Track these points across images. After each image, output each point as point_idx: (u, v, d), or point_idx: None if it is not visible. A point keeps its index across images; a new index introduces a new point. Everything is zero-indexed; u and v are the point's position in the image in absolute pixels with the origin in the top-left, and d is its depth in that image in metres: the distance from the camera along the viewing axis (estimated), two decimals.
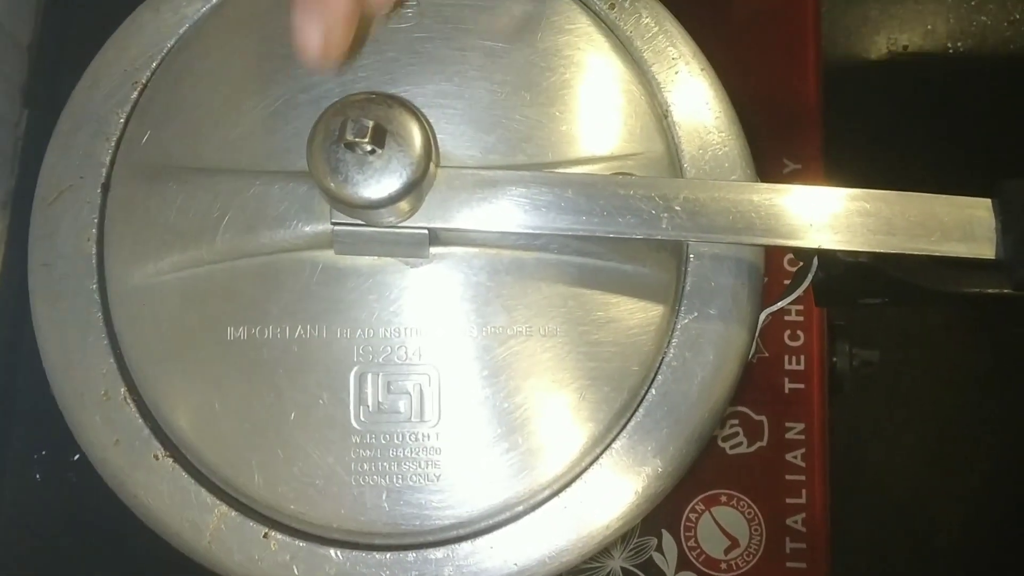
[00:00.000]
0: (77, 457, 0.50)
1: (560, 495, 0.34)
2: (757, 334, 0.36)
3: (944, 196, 0.31)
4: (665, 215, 0.31)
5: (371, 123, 0.29)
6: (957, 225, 0.31)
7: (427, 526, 0.33)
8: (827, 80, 0.54)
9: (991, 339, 0.71)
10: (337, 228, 0.31)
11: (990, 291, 0.34)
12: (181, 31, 0.37)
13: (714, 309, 0.35)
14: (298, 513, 0.33)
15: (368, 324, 0.34)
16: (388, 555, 0.33)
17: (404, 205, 0.30)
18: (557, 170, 0.34)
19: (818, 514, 0.49)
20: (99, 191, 0.35)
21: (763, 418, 0.50)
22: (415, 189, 0.29)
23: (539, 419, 0.34)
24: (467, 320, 0.34)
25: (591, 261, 0.34)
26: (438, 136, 0.34)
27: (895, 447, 0.70)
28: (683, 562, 0.49)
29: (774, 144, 0.53)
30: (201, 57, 0.36)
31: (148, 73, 0.36)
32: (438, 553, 0.33)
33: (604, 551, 0.49)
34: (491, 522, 0.33)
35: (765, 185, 0.32)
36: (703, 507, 0.50)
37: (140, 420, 0.34)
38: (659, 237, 0.31)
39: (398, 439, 0.33)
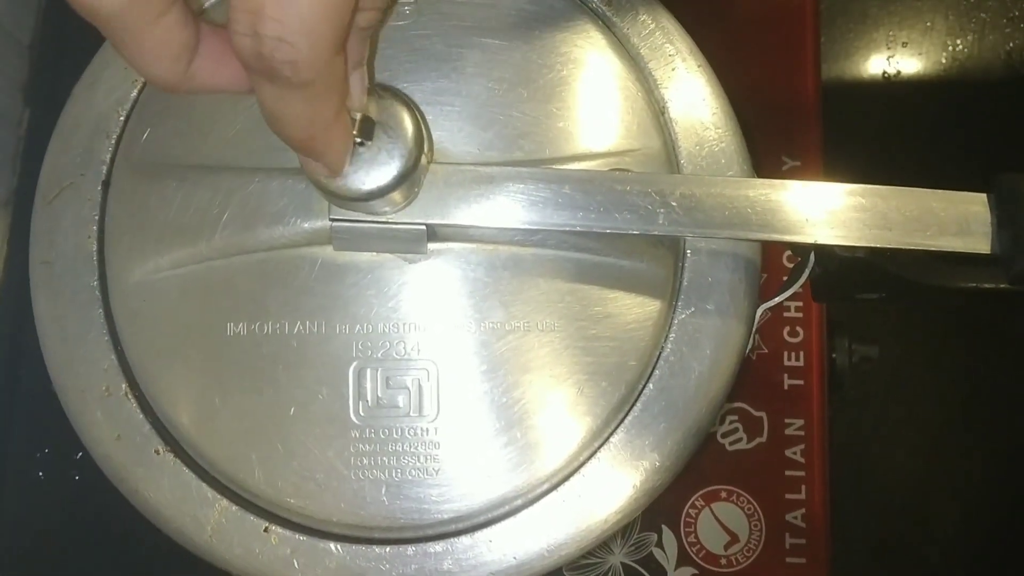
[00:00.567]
0: (80, 455, 0.50)
1: (559, 489, 0.34)
2: (754, 329, 0.36)
3: (940, 191, 0.31)
4: (662, 211, 0.31)
5: (358, 115, 0.29)
6: (953, 220, 0.31)
7: (426, 520, 0.33)
8: (826, 77, 0.54)
9: (990, 335, 0.71)
10: (335, 224, 0.32)
11: (986, 286, 0.34)
12: None
13: (711, 304, 0.35)
14: (298, 507, 0.33)
15: (367, 319, 0.34)
16: (387, 549, 0.33)
17: (398, 196, 0.30)
18: (554, 166, 0.34)
19: (818, 510, 0.49)
20: (99, 188, 0.35)
21: (763, 414, 0.50)
22: (408, 179, 0.30)
23: (537, 414, 0.34)
24: (465, 315, 0.34)
25: (588, 257, 0.34)
26: (435, 133, 0.34)
27: (894, 443, 0.70)
28: (683, 557, 0.49)
29: (773, 141, 0.53)
30: None
31: None
32: (437, 547, 0.33)
33: (604, 546, 0.49)
34: (490, 516, 0.33)
35: (761, 181, 0.32)
36: (703, 503, 0.50)
37: (141, 416, 0.34)
38: (656, 233, 0.31)
39: (397, 434, 0.34)
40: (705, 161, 0.36)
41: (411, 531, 0.33)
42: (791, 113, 0.54)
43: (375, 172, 0.29)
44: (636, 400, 0.34)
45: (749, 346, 0.36)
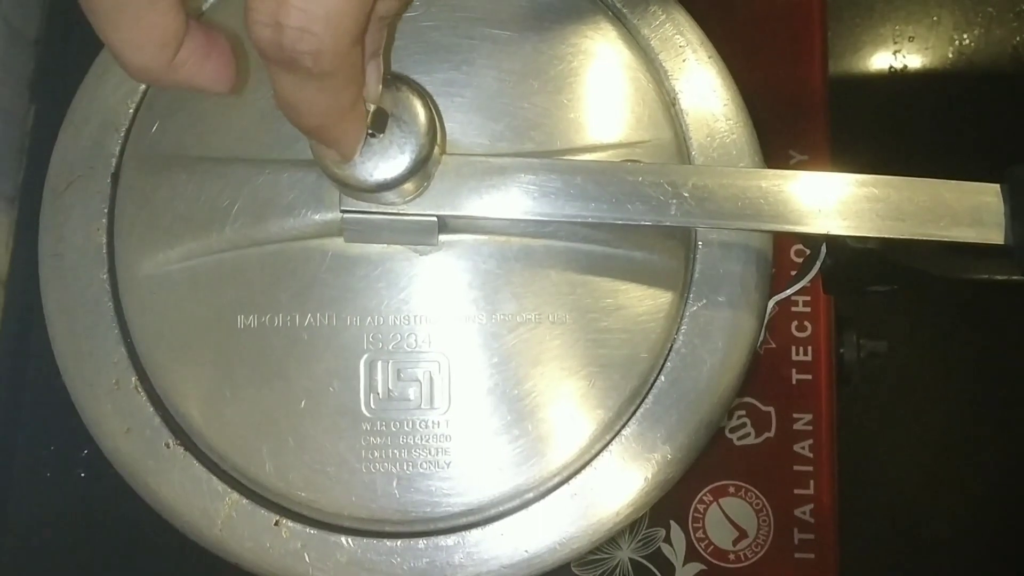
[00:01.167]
0: (86, 452, 0.50)
1: (570, 482, 0.34)
2: (766, 322, 0.36)
3: (953, 182, 0.31)
4: (674, 201, 0.31)
5: (372, 107, 0.29)
6: (966, 211, 0.31)
7: (437, 513, 0.33)
8: (833, 72, 0.54)
9: (1000, 329, 0.71)
10: (346, 216, 0.31)
11: (999, 277, 0.34)
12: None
13: (723, 296, 0.35)
14: (309, 500, 0.33)
15: (378, 312, 0.34)
16: (399, 542, 0.33)
17: (409, 186, 0.30)
18: (565, 158, 0.34)
19: (826, 505, 0.49)
20: (109, 181, 0.35)
21: (771, 409, 0.50)
22: (420, 170, 0.29)
23: (548, 406, 0.34)
24: (476, 307, 0.34)
25: (600, 248, 0.34)
26: (447, 124, 0.34)
27: (903, 438, 0.70)
28: (691, 553, 0.49)
29: (780, 135, 0.52)
30: None
31: None
32: (449, 540, 0.33)
33: (612, 542, 0.49)
34: (501, 509, 0.33)
35: (773, 171, 0.32)
36: (711, 498, 0.50)
37: (151, 409, 0.34)
38: (668, 224, 0.31)
39: (408, 426, 0.33)
40: (716, 152, 0.36)
41: (422, 524, 0.33)
42: (798, 108, 0.53)
43: (387, 163, 0.29)
44: (648, 393, 0.34)
45: (760, 339, 0.36)
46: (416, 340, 0.34)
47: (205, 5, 0.37)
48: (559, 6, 0.36)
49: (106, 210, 0.35)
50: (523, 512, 0.33)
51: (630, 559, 0.49)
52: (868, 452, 0.69)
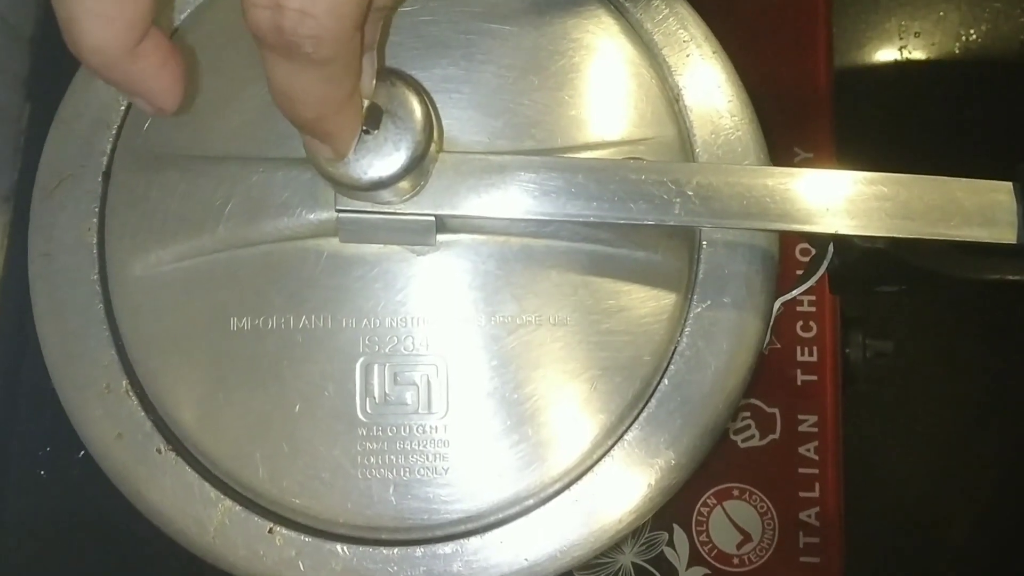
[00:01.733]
0: (82, 454, 0.50)
1: (571, 488, 0.33)
2: (771, 323, 0.36)
3: (964, 180, 0.31)
4: (678, 200, 0.30)
5: (366, 103, 0.28)
6: (977, 209, 0.30)
7: (435, 520, 0.33)
8: (838, 67, 0.54)
9: (1008, 331, 0.70)
10: (342, 215, 0.31)
11: (1011, 277, 0.33)
12: (182, 18, 0.36)
13: (728, 297, 0.34)
14: (303, 507, 0.33)
15: (374, 313, 0.33)
16: (395, 550, 0.32)
17: (406, 185, 0.29)
18: (566, 155, 0.34)
19: (831, 508, 0.49)
20: (100, 180, 0.35)
21: (775, 411, 0.50)
22: (416, 167, 0.29)
23: (549, 410, 0.33)
24: (475, 309, 0.33)
25: (602, 248, 0.34)
26: (444, 121, 0.33)
27: (909, 439, 0.69)
28: (695, 557, 0.49)
29: (785, 133, 0.52)
30: (203, 43, 0.36)
31: None
32: (447, 548, 0.33)
33: (615, 546, 0.48)
34: (501, 516, 0.33)
35: (780, 169, 0.31)
36: (715, 501, 0.49)
37: (143, 413, 0.33)
38: (672, 223, 0.31)
39: (405, 431, 0.33)
40: (721, 150, 0.35)
41: (419, 532, 0.33)
42: (803, 104, 0.53)
43: (382, 160, 0.28)
44: (651, 396, 0.34)
45: (765, 341, 0.36)
46: (413, 343, 0.33)
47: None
48: (560, 0, 0.36)
49: (97, 209, 0.35)
50: (523, 519, 0.33)
51: (632, 563, 0.49)
52: (874, 454, 0.69)
